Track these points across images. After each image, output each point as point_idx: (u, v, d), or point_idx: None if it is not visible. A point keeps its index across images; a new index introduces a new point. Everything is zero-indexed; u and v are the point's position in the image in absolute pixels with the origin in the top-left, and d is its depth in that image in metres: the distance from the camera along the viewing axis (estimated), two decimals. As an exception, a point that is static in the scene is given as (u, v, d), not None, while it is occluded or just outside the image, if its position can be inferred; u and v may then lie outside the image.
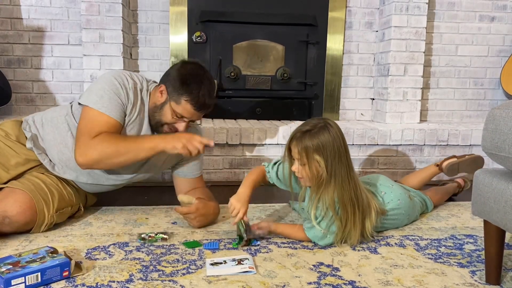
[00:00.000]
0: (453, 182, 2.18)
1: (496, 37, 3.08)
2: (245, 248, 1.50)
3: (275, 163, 1.68)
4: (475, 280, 1.30)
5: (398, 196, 1.68)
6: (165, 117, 1.63)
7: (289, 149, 1.52)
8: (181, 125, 1.63)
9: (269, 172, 1.67)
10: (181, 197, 1.62)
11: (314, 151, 1.44)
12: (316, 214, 1.50)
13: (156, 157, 1.72)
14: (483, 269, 1.35)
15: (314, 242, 1.54)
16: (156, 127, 1.68)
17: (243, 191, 1.56)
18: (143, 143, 1.55)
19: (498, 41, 3.08)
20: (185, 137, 1.54)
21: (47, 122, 1.71)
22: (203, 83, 1.59)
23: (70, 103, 1.73)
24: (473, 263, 1.42)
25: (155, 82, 1.75)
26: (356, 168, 2.52)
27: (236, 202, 1.51)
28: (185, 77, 1.59)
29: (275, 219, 1.81)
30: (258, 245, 1.52)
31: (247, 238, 1.51)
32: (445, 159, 2.17)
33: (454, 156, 2.19)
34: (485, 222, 1.26)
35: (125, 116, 1.61)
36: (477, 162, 2.22)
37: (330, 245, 1.53)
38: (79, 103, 1.63)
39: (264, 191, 1.93)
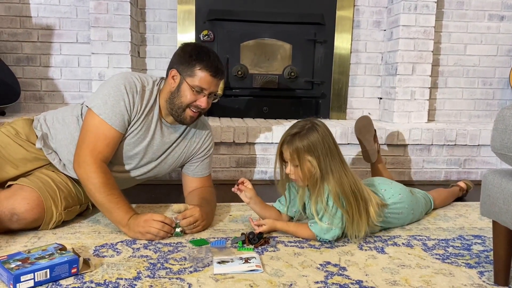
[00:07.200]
0: (455, 185, 2.17)
1: (505, 36, 3.05)
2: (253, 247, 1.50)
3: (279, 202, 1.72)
4: (483, 281, 1.29)
5: (398, 191, 1.72)
6: (184, 97, 1.62)
7: (280, 154, 1.56)
8: (202, 101, 1.62)
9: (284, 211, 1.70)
10: (175, 207, 1.60)
11: (305, 151, 1.49)
12: (317, 209, 1.52)
13: (164, 161, 1.76)
14: (491, 270, 1.34)
15: (320, 240, 1.54)
16: (179, 116, 1.65)
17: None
18: (115, 211, 1.53)
19: (507, 41, 3.06)
20: (142, 225, 1.51)
21: (58, 121, 1.72)
22: (209, 51, 1.65)
23: (81, 104, 1.74)
24: (481, 263, 1.41)
25: (163, 78, 1.76)
26: (363, 168, 2.51)
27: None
28: (192, 51, 1.63)
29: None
30: (274, 245, 1.52)
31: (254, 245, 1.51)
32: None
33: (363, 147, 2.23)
34: (494, 222, 1.25)
35: (129, 122, 1.62)
36: (362, 124, 2.21)
37: (337, 239, 1.54)
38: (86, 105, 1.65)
39: (265, 191, 1.93)
